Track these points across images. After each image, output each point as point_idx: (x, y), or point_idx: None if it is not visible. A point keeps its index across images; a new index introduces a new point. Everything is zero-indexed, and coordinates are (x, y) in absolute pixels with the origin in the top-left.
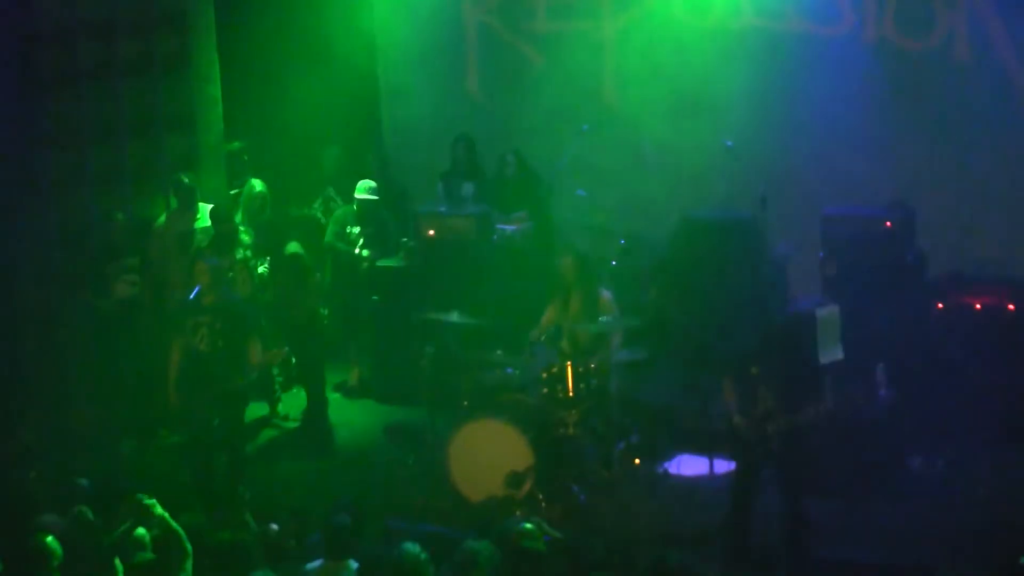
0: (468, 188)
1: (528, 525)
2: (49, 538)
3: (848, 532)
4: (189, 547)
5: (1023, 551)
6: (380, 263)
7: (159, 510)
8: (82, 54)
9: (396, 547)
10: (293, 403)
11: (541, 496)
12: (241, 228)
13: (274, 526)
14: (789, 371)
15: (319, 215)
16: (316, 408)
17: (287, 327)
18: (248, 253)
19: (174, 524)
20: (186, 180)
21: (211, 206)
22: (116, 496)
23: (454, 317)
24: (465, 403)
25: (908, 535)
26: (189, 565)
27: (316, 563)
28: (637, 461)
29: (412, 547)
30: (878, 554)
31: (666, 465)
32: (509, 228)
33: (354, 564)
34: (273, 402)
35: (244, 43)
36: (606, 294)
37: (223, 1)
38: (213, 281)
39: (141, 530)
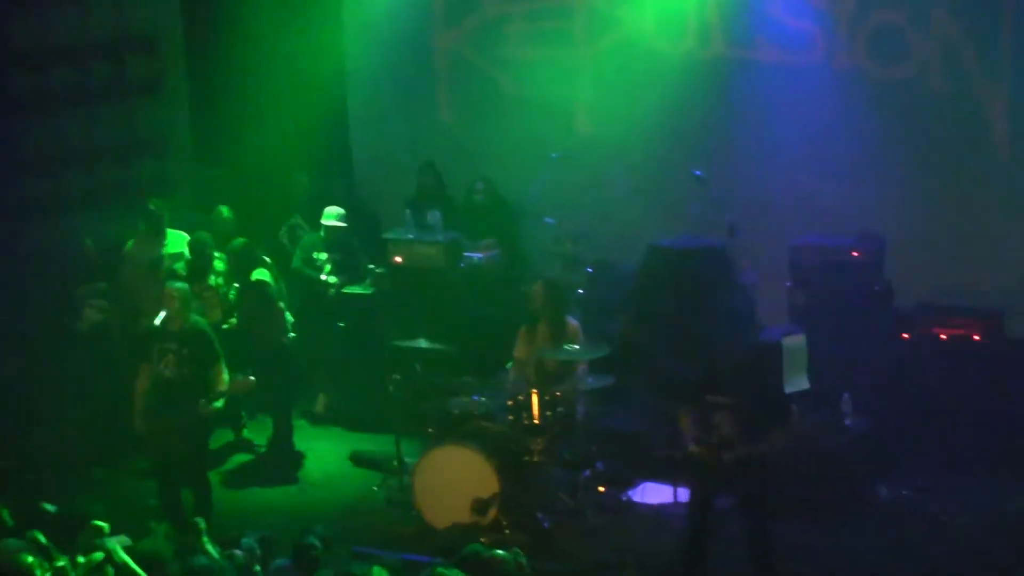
0: (435, 215)
1: (501, 552)
2: (30, 558)
3: (815, 558)
4: None
5: None
6: (347, 289)
7: (121, 556)
8: (55, 78)
9: (364, 571)
10: (259, 430)
11: (506, 523)
12: (216, 255)
13: (238, 552)
14: (751, 399)
15: (285, 242)
16: (282, 435)
17: (253, 354)
18: (220, 280)
19: (135, 567)
20: (154, 207)
21: (184, 234)
22: (82, 522)
23: (421, 344)
24: (431, 430)
25: (875, 562)
26: None
27: None
28: (602, 489)
29: (380, 571)
30: None
31: (631, 493)
32: (477, 255)
33: None
34: (239, 428)
35: (215, 69)
36: (573, 322)
37: (194, 27)
38: (181, 307)
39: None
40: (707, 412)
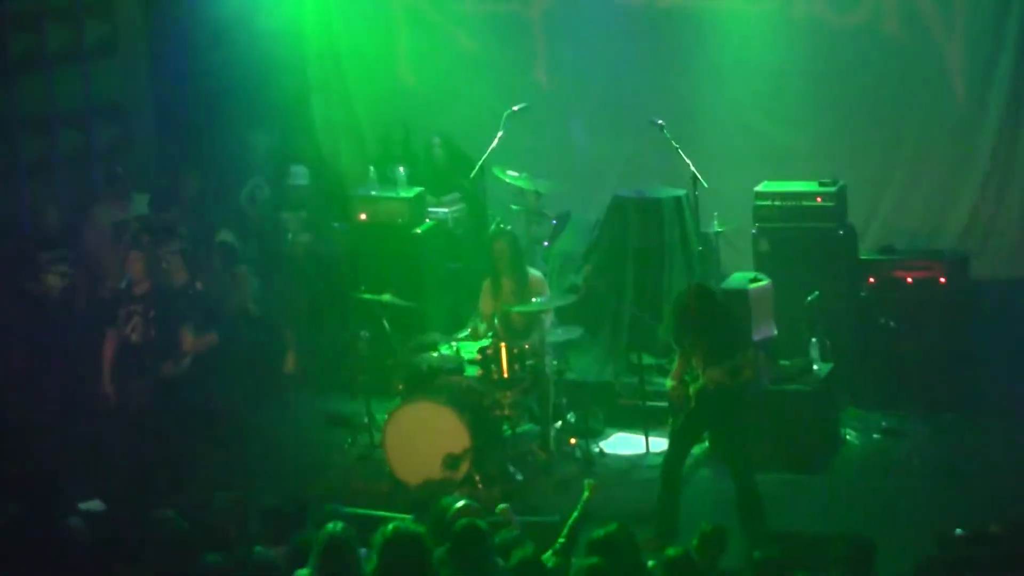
0: (401, 172)
1: (463, 501)
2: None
3: (787, 504)
4: None
5: (959, 521)
6: (313, 247)
7: None
8: (11, 44)
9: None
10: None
11: (478, 477)
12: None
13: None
14: (708, 332)
15: (244, 204)
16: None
17: (218, 315)
18: (184, 244)
19: None
20: (119, 169)
21: (147, 196)
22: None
23: (390, 301)
24: (400, 386)
25: (846, 506)
26: None
27: None
28: (573, 441)
29: (333, 525)
30: (816, 525)
31: (602, 444)
32: (441, 211)
33: None
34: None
35: (173, 30)
36: (536, 274)
37: None
38: (146, 270)
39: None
40: (687, 353)
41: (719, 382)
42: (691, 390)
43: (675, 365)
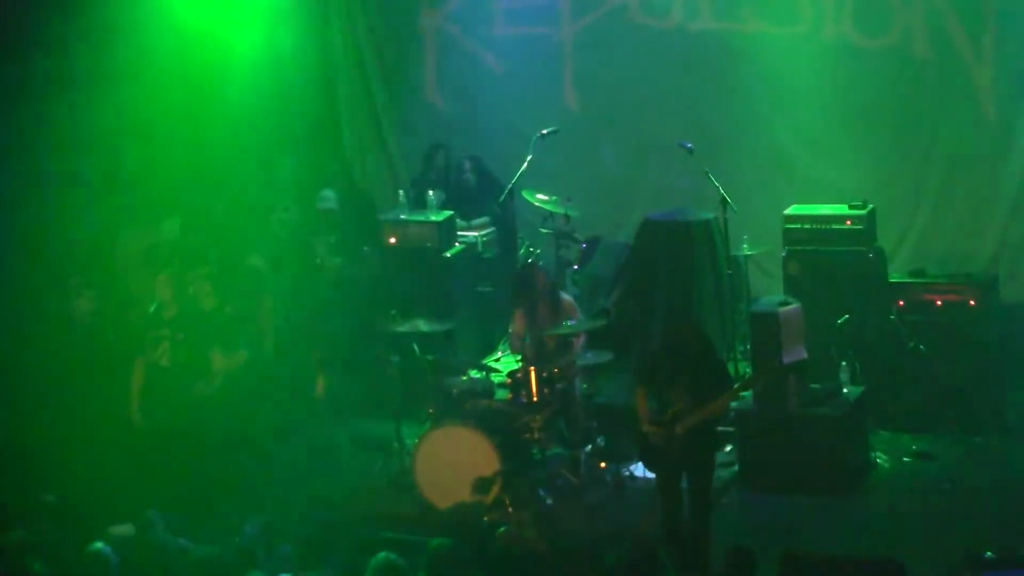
0: (439, 195)
1: (503, 528)
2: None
3: (817, 527)
4: None
5: (989, 543)
6: (343, 272)
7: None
8: (39, 66)
9: (370, 556)
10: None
11: (508, 501)
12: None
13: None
14: (696, 368)
15: (275, 227)
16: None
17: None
18: (213, 268)
19: None
20: (149, 194)
21: (176, 219)
22: (81, 511)
23: (419, 325)
24: (431, 410)
25: (876, 529)
26: None
27: None
28: (603, 464)
29: (388, 555)
30: (846, 549)
31: (632, 468)
32: (471, 234)
33: None
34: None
35: (201, 52)
36: (568, 299)
37: (178, 11)
38: (175, 294)
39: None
40: (662, 390)
41: (719, 413)
42: (678, 429)
43: (640, 406)
